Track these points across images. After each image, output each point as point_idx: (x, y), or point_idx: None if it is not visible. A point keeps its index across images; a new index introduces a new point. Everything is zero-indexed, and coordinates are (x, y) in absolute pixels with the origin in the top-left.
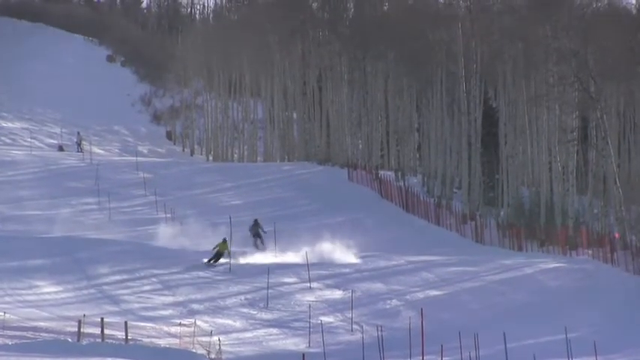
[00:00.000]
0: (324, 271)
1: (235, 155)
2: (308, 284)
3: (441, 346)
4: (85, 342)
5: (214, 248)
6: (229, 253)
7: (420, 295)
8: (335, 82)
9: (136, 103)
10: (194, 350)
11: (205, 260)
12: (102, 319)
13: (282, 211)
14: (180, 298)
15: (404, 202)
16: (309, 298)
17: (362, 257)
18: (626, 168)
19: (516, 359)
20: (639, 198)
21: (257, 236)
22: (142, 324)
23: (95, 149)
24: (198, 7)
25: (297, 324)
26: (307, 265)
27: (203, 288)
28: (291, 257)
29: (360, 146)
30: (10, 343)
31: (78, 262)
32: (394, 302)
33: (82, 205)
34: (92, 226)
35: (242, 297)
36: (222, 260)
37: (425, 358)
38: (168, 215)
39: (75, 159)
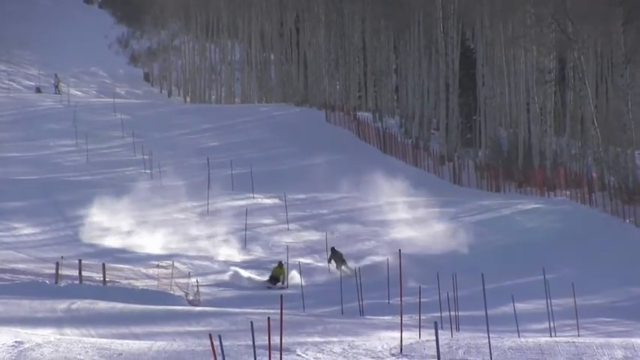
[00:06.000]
0: (302, 213)
1: (213, 97)
2: (286, 225)
3: (419, 287)
4: (63, 284)
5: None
6: (285, 277)
7: (398, 236)
8: (312, 23)
9: (114, 44)
10: (172, 292)
11: (265, 280)
12: (80, 261)
13: (259, 152)
14: (158, 240)
15: (382, 144)
16: (287, 239)
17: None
18: (603, 109)
19: (494, 300)
20: (617, 138)
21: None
22: (120, 266)
23: (73, 91)
24: None
25: (274, 265)
26: (285, 207)
27: (181, 229)
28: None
29: (338, 87)
30: None
31: (56, 204)
32: (372, 243)
33: (59, 147)
34: (70, 168)
35: (220, 238)
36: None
37: (403, 299)
38: (146, 157)
39: (52, 101)
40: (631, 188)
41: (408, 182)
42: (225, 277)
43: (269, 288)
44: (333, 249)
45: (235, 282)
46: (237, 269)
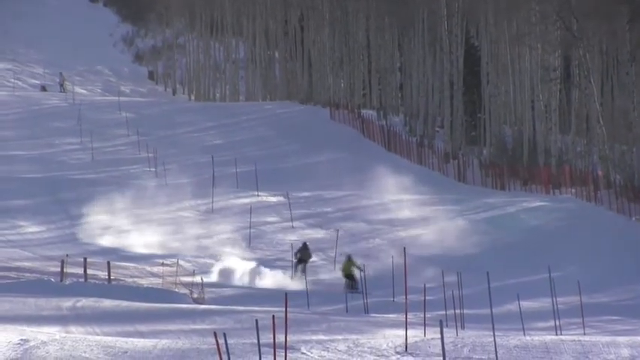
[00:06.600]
0: (307, 211)
1: (217, 95)
2: (290, 223)
3: (424, 285)
4: (68, 282)
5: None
6: (359, 269)
7: (403, 234)
8: (317, 21)
9: (118, 43)
10: (177, 290)
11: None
12: (85, 259)
13: (263, 150)
14: (163, 238)
15: (386, 142)
16: (292, 237)
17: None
18: (609, 106)
19: (500, 298)
20: (623, 136)
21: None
22: (125, 264)
23: (78, 89)
24: None
25: (279, 263)
26: (289, 205)
27: (185, 227)
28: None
29: (342, 85)
30: None
31: (61, 202)
32: (377, 241)
33: (64, 146)
34: (75, 166)
35: (224, 236)
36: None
37: (408, 297)
38: (151, 155)
39: (57, 99)
40: (637, 186)
41: (412, 180)
42: (214, 274)
43: (352, 293)
44: (305, 244)
45: (225, 280)
46: (226, 265)
